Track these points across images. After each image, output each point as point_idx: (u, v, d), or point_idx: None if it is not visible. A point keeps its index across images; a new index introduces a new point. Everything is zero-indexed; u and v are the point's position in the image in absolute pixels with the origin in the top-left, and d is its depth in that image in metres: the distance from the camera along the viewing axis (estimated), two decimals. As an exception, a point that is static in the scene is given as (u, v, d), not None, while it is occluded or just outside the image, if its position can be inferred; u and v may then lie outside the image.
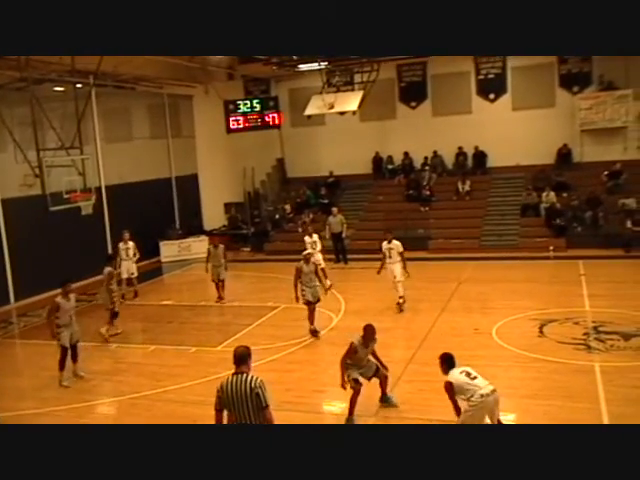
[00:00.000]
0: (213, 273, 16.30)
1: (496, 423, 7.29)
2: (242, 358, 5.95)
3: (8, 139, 15.63)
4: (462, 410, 7.30)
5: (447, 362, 7.48)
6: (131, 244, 16.86)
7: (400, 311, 14.14)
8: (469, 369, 7.40)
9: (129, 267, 16.86)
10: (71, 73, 16.32)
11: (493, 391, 7.18)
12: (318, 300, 12.87)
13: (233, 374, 5.89)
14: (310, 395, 9.84)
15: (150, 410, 9.68)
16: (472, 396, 7.13)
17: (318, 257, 16.39)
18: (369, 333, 8.69)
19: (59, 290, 11.18)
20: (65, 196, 15.90)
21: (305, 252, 13.14)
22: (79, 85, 17.77)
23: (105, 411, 10.20)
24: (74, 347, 11.18)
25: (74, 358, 11.22)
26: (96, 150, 20.00)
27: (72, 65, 15.38)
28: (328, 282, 14.57)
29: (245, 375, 5.85)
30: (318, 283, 12.83)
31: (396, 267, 14.11)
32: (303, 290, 12.62)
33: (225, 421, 5.95)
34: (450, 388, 7.30)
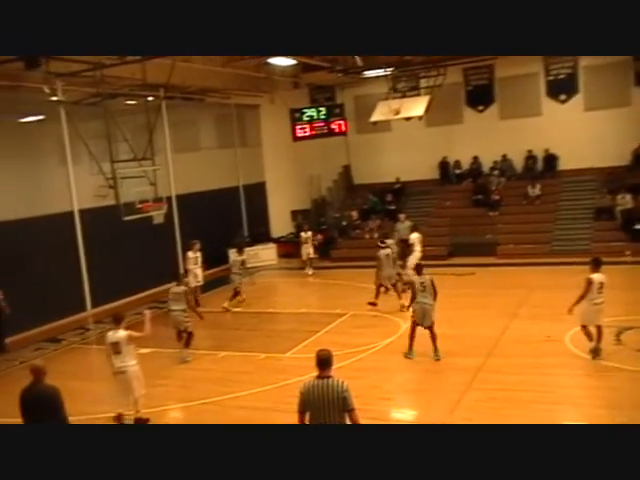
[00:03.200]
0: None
1: (598, 326, 10.65)
2: (326, 362, 6.00)
3: (83, 152, 16.16)
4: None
5: (593, 264, 10.78)
6: (199, 254, 17.08)
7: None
8: (603, 282, 10.59)
9: (197, 274, 17.09)
10: (142, 87, 16.86)
11: (601, 303, 10.55)
12: (430, 325, 11.47)
13: (317, 377, 5.94)
14: (376, 402, 9.78)
15: (220, 415, 9.76)
16: (591, 300, 10.52)
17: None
18: None
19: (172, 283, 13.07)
20: (137, 206, 16.38)
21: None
22: (150, 98, 18.34)
23: (175, 417, 10.34)
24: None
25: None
26: (166, 160, 20.47)
27: (143, 79, 15.86)
28: None
29: (331, 379, 5.90)
30: (430, 301, 11.42)
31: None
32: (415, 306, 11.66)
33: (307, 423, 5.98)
34: (588, 283, 10.58)
